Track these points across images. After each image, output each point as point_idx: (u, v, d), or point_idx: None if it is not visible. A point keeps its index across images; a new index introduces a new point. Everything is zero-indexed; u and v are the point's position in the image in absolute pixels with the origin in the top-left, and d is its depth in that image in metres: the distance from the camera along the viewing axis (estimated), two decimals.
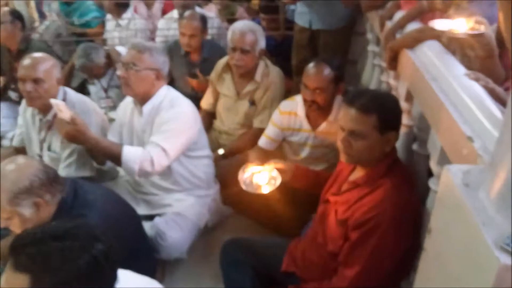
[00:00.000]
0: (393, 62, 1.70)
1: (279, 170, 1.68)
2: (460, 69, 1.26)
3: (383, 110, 1.37)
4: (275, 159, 1.86)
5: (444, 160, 1.17)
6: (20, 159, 1.41)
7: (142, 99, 1.91)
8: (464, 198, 0.76)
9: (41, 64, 1.94)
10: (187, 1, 3.26)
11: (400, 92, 1.71)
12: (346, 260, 1.38)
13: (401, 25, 1.73)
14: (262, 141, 2.25)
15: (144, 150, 1.79)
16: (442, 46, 1.43)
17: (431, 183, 1.31)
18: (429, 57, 1.41)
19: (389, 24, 1.88)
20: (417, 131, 1.51)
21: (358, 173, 1.48)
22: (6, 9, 3.00)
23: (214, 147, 2.44)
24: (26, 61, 1.95)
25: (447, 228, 0.85)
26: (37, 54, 2.01)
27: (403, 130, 1.62)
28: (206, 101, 2.72)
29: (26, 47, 2.92)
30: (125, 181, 2.17)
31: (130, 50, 1.86)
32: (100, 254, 0.89)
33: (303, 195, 1.87)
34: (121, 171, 2.23)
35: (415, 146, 1.54)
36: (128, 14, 3.60)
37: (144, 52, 1.83)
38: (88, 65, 2.78)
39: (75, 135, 1.68)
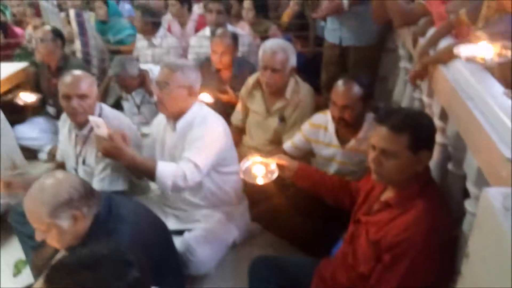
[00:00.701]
0: (418, 78, 1.68)
1: (280, 165, 1.71)
2: (498, 88, 1.22)
3: (416, 129, 1.34)
4: None
5: (482, 181, 1.13)
6: (59, 173, 1.45)
7: (176, 116, 1.96)
8: (504, 223, 0.73)
9: (83, 80, 2.02)
10: (219, 19, 3.32)
11: (434, 110, 1.68)
12: (378, 282, 1.34)
13: (434, 41, 1.70)
14: (287, 145, 2.30)
15: (177, 165, 1.83)
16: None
17: (468, 204, 1.27)
18: (464, 75, 1.38)
19: (422, 41, 1.85)
20: (453, 150, 1.47)
21: (390, 193, 1.45)
22: (47, 27, 3.14)
23: None
24: (67, 78, 2.02)
25: (486, 253, 0.82)
26: (77, 72, 2.08)
27: (437, 149, 1.58)
28: (236, 117, 2.75)
29: (64, 64, 3.04)
30: (155, 196, 2.21)
31: (163, 69, 1.91)
32: (134, 281, 0.90)
33: (334, 213, 1.84)
34: (152, 185, 2.27)
35: (450, 166, 1.49)
36: (160, 32, 3.69)
37: (176, 71, 1.87)
38: (122, 75, 2.83)
39: (112, 151, 1.73)
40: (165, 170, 1.79)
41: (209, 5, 3.36)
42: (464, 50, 1.31)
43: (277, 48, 2.40)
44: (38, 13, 4.70)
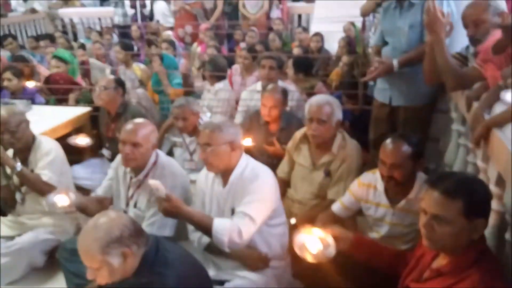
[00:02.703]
0: (481, 140, 1.64)
1: (336, 237, 1.62)
2: None
3: (471, 195, 1.30)
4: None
5: None
6: (111, 212, 1.54)
7: (224, 172, 2.01)
8: None
9: (141, 130, 2.13)
10: (271, 75, 3.44)
11: (490, 176, 1.62)
12: None
13: (486, 105, 1.68)
14: (336, 207, 2.24)
15: (232, 222, 1.85)
16: None
17: None
18: None
19: (476, 105, 1.83)
20: (511, 219, 1.40)
21: (442, 261, 1.39)
22: (111, 77, 3.39)
23: (286, 216, 2.43)
24: (129, 125, 2.16)
25: None
26: (139, 120, 2.22)
27: (493, 217, 1.51)
28: (281, 169, 2.77)
29: (123, 111, 3.24)
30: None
31: (203, 131, 1.97)
32: None
33: (380, 278, 1.77)
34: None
35: (507, 236, 1.42)
36: (221, 84, 3.87)
37: (215, 130, 1.93)
38: (184, 105, 2.94)
39: (171, 210, 1.78)
40: (221, 227, 1.82)
41: (263, 61, 3.51)
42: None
43: (323, 101, 2.46)
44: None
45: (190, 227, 2.07)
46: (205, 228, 1.83)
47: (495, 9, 2.01)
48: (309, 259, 1.56)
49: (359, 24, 5.55)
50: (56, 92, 4.02)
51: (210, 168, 2.01)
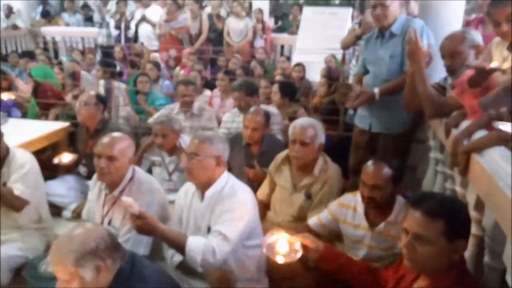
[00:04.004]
0: (467, 167, 1.67)
1: (306, 246, 1.65)
2: None
3: (452, 216, 1.32)
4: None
5: None
6: (88, 224, 1.49)
7: (204, 186, 1.99)
8: None
9: (118, 143, 2.09)
10: (241, 105, 3.46)
11: (469, 200, 1.65)
12: None
13: (471, 132, 1.72)
14: (312, 221, 2.26)
15: (206, 241, 1.82)
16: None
17: None
18: (501, 165, 1.38)
19: (454, 132, 1.88)
20: (490, 242, 1.42)
21: (423, 282, 1.38)
22: (92, 92, 3.34)
23: None
24: (105, 139, 2.11)
25: None
26: (116, 134, 2.17)
27: (471, 241, 1.53)
28: (261, 192, 2.75)
29: (102, 127, 3.17)
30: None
31: (193, 141, 1.99)
32: None
33: None
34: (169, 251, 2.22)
35: (486, 259, 1.43)
36: (197, 105, 3.85)
37: (204, 142, 1.94)
38: (165, 122, 2.96)
39: (144, 228, 1.75)
40: (195, 246, 1.78)
41: (233, 92, 3.55)
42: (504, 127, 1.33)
43: (306, 123, 2.50)
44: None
45: (165, 245, 2.01)
46: (179, 246, 1.79)
47: (471, 42, 2.11)
48: (274, 258, 1.62)
49: (339, 57, 5.71)
50: (39, 103, 3.99)
51: (191, 179, 1.98)
